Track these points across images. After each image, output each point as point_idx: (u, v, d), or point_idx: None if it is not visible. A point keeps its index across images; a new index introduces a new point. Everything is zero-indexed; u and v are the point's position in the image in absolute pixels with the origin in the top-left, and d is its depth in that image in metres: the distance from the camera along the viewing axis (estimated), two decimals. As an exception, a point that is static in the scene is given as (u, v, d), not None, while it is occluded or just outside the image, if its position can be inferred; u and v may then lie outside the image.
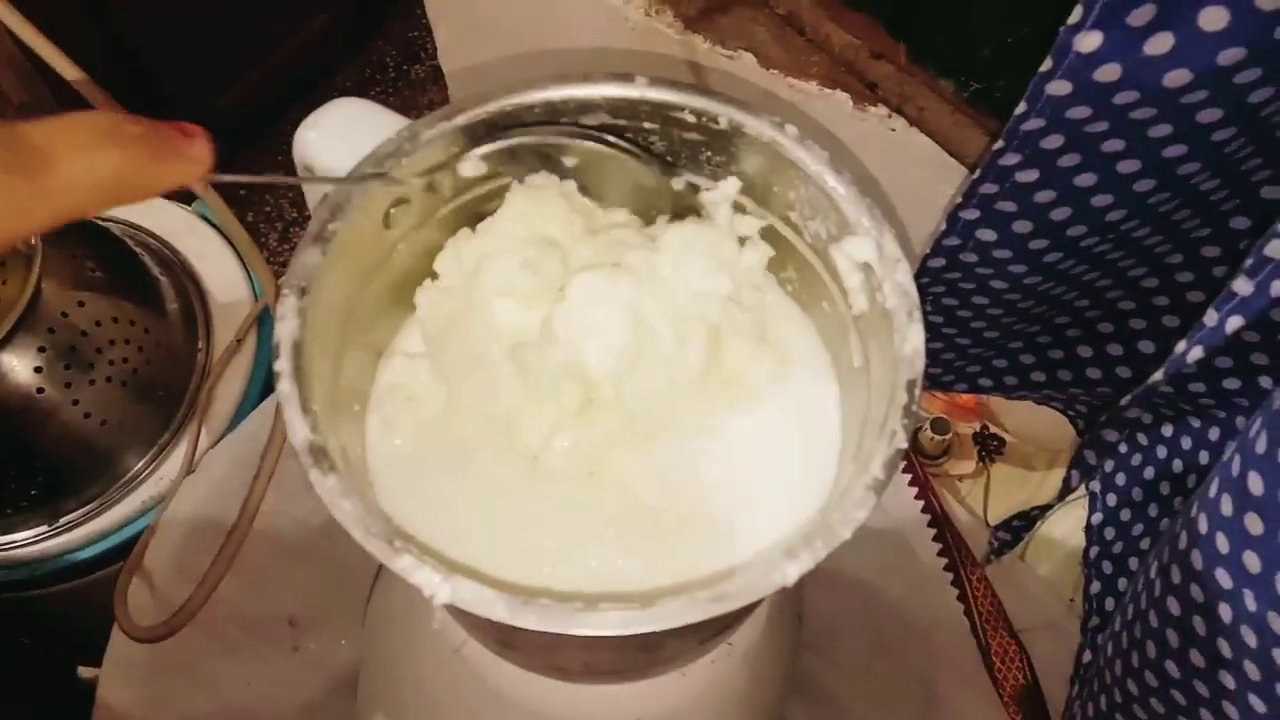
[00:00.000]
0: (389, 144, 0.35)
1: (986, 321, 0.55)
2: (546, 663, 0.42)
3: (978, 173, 0.44)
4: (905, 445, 0.31)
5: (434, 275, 0.40)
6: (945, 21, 0.56)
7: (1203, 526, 0.41)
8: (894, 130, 0.57)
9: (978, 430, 0.75)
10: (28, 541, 0.74)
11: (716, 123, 0.36)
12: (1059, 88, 0.37)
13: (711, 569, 0.35)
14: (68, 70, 0.58)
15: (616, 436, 0.37)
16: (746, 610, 0.43)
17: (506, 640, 0.41)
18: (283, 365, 0.31)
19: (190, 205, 0.87)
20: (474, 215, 0.40)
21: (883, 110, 0.58)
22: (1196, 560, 0.41)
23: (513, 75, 0.37)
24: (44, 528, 0.74)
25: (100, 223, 0.79)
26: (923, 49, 0.57)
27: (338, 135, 0.36)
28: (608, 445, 0.37)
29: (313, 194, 0.36)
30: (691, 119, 0.37)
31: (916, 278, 0.35)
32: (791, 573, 0.29)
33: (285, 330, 0.32)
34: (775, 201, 0.38)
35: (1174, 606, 0.44)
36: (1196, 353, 0.40)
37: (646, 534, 0.37)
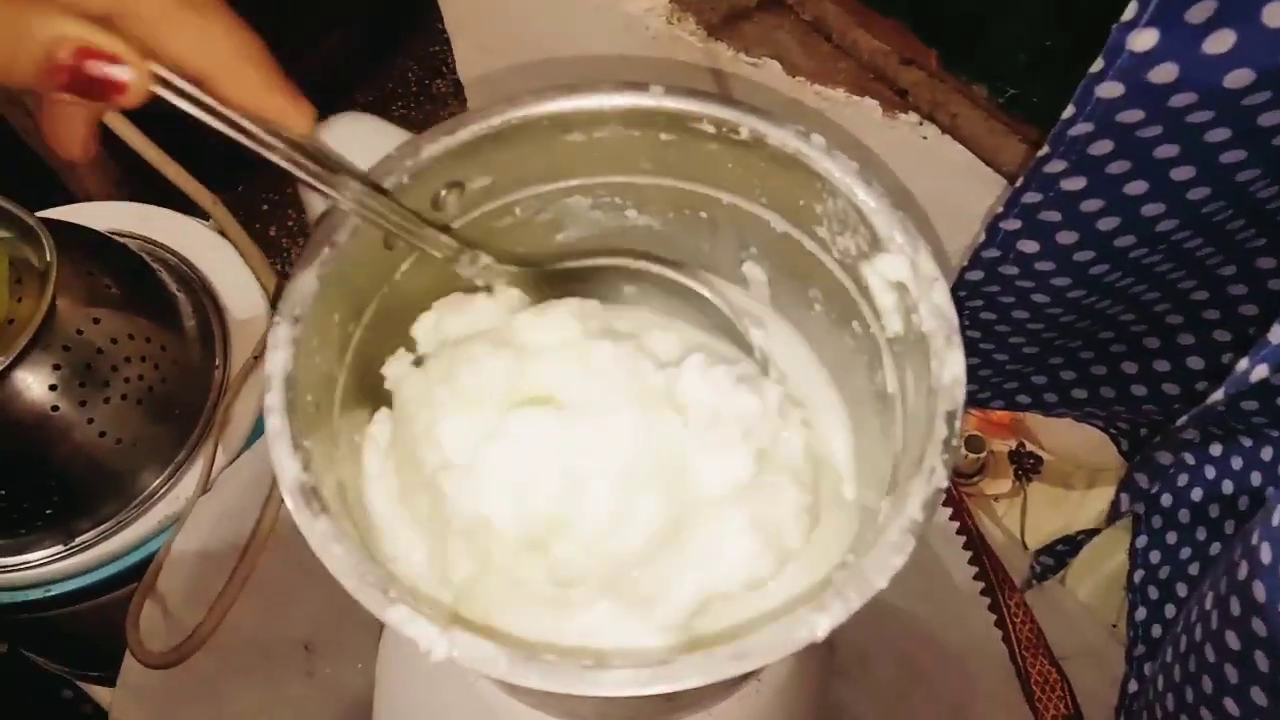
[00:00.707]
0: (389, 160, 0.33)
1: (1026, 337, 0.53)
2: (560, 709, 0.40)
3: (1020, 181, 0.41)
4: (945, 484, 0.28)
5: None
6: (979, 25, 0.54)
7: (1265, 556, 0.39)
8: (925, 138, 0.55)
9: (1014, 448, 0.73)
10: (42, 561, 0.73)
11: (737, 133, 0.34)
12: (1110, 90, 0.35)
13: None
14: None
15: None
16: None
17: (514, 686, 0.39)
18: (273, 400, 0.29)
19: (208, 221, 0.86)
20: (483, 230, 0.38)
21: (913, 118, 0.56)
22: (1259, 592, 0.39)
23: (532, 83, 0.34)
24: (59, 548, 0.73)
25: (117, 239, 0.78)
26: (955, 54, 0.56)
27: (341, 149, 0.34)
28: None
29: (311, 204, 0.34)
30: (711, 129, 0.34)
31: (953, 291, 0.33)
32: (821, 627, 0.27)
33: (276, 362, 0.30)
34: (801, 216, 0.36)
35: (1233, 641, 0.42)
36: (1261, 371, 0.37)
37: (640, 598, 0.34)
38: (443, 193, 0.35)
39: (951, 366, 0.30)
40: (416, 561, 0.35)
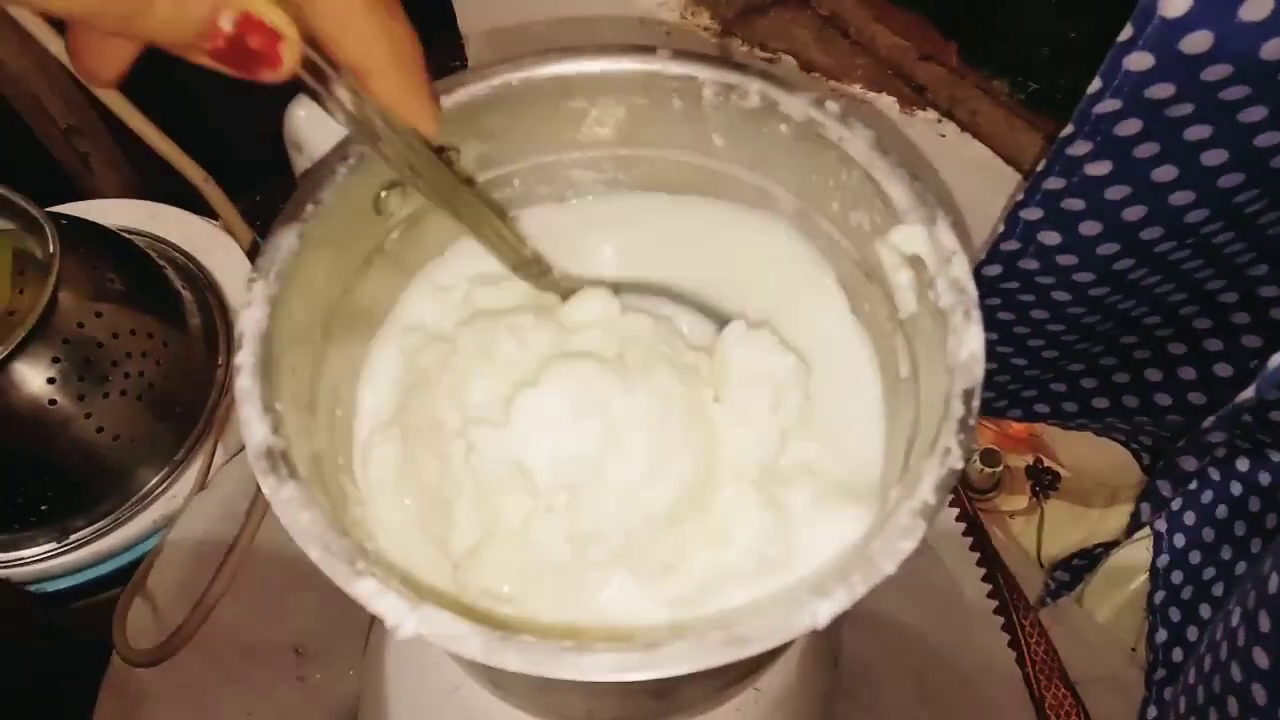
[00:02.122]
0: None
1: (1045, 339, 0.51)
2: (546, 708, 0.38)
3: (1042, 165, 0.40)
4: (960, 465, 0.26)
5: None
6: (1001, 18, 0.52)
7: (1297, 568, 0.36)
8: (944, 136, 0.54)
9: (1031, 464, 0.71)
10: (36, 558, 0.72)
11: (747, 99, 0.32)
12: (1140, 61, 0.33)
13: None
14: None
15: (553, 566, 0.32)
16: (774, 654, 0.39)
17: (498, 680, 0.37)
18: (244, 358, 0.28)
19: (217, 220, 0.86)
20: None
21: (932, 114, 0.55)
22: (1289, 606, 0.37)
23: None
24: (53, 544, 0.72)
25: (124, 235, 0.78)
26: (976, 48, 0.54)
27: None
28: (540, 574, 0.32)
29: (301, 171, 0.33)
30: (720, 96, 0.33)
31: None
32: (823, 613, 0.25)
33: (251, 319, 0.28)
34: (814, 191, 0.34)
35: (1261, 659, 0.40)
36: (1294, 366, 0.35)
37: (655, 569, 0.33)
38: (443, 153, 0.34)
39: (969, 343, 0.28)
40: (411, 535, 0.33)
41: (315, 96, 0.27)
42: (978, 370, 0.27)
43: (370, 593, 0.25)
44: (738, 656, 0.24)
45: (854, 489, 0.34)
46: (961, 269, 0.29)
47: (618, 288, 0.37)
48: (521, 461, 0.32)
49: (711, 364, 0.36)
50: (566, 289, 0.37)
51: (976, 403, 0.27)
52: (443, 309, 0.38)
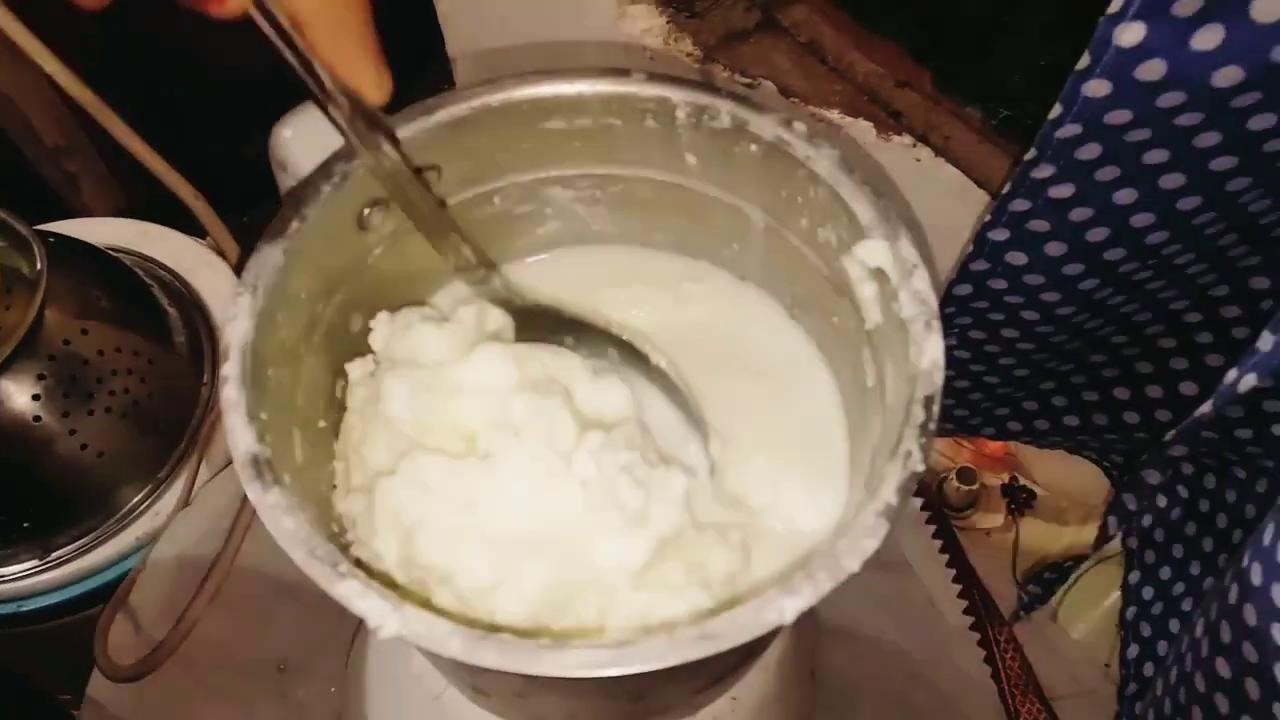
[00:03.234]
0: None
1: (1016, 358, 0.52)
2: (527, 713, 0.38)
3: (1008, 188, 0.41)
4: (921, 468, 0.27)
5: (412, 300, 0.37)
6: (974, 46, 0.54)
7: (1256, 578, 0.37)
8: (919, 160, 0.55)
9: (1006, 482, 0.72)
10: (17, 576, 0.71)
11: (718, 120, 0.33)
12: (1097, 88, 0.34)
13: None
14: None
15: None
16: (747, 656, 0.39)
17: (480, 686, 0.37)
18: (230, 369, 0.28)
19: (205, 239, 0.86)
20: (462, 220, 0.37)
21: (907, 139, 0.56)
22: (1250, 616, 0.38)
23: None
24: (35, 562, 0.71)
25: (111, 253, 0.78)
26: (949, 75, 0.56)
27: (315, 132, 0.33)
28: None
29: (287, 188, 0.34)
30: (692, 117, 0.34)
31: (941, 308, 0.32)
32: (789, 609, 0.26)
33: (236, 331, 0.29)
34: (782, 209, 0.35)
35: (1224, 668, 0.41)
36: (1250, 380, 0.36)
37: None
38: (422, 173, 0.35)
39: (930, 351, 0.29)
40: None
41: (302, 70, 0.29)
42: (938, 377, 0.28)
43: (353, 594, 0.26)
44: (709, 652, 0.25)
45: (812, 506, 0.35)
46: (922, 281, 0.30)
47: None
48: (377, 553, 0.32)
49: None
50: (503, 298, 0.37)
51: (937, 408, 0.28)
52: (378, 348, 0.37)
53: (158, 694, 0.60)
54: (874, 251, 0.31)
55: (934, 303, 0.29)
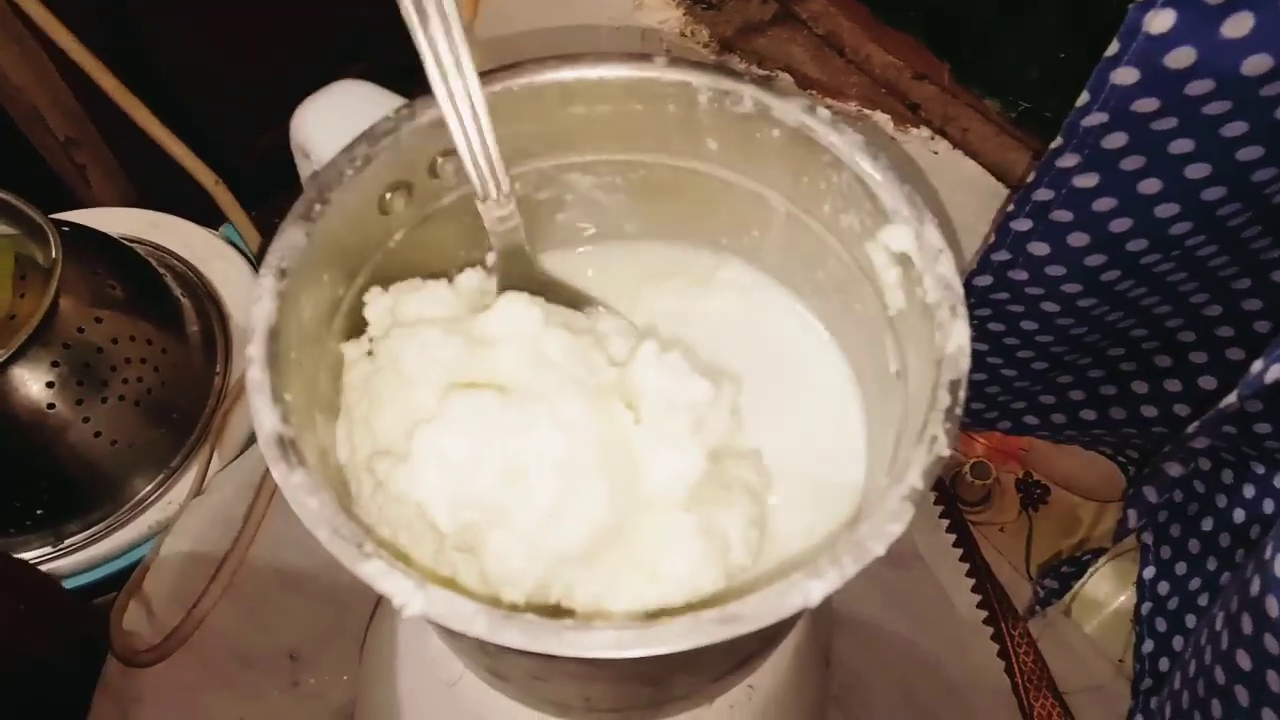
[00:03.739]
0: (386, 122, 0.33)
1: (1035, 351, 0.52)
2: (544, 697, 0.38)
3: (1031, 177, 0.40)
4: (947, 453, 0.27)
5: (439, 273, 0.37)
6: (992, 38, 0.54)
7: (1279, 569, 0.37)
8: (936, 153, 0.55)
9: (1020, 477, 0.72)
10: (31, 563, 0.72)
11: (741, 104, 0.33)
12: (1125, 75, 0.34)
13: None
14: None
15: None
16: (765, 644, 0.39)
17: (498, 669, 0.37)
18: (255, 350, 0.28)
19: (217, 230, 0.86)
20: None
21: (925, 132, 0.56)
22: (1272, 607, 0.38)
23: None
24: (48, 549, 0.72)
25: (125, 242, 0.79)
26: (967, 68, 0.55)
27: (336, 117, 0.33)
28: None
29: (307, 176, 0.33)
30: (714, 102, 0.34)
31: None
32: (815, 593, 0.26)
33: (261, 313, 0.29)
34: (805, 194, 0.35)
35: (1244, 661, 0.40)
36: (1276, 371, 0.36)
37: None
38: (439, 160, 0.35)
39: (956, 336, 0.29)
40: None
41: None
42: (964, 362, 0.28)
43: (377, 573, 0.26)
44: (733, 634, 0.25)
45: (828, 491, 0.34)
46: (948, 266, 0.30)
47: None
48: (421, 502, 0.31)
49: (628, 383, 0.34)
50: (516, 244, 0.36)
51: (963, 393, 0.28)
52: (377, 320, 0.36)
53: (169, 681, 0.61)
54: (898, 236, 0.31)
55: (959, 287, 0.29)
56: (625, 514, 0.32)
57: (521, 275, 0.37)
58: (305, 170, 0.38)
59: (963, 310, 0.29)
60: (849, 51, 0.60)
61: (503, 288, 0.36)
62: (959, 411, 0.27)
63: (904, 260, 0.31)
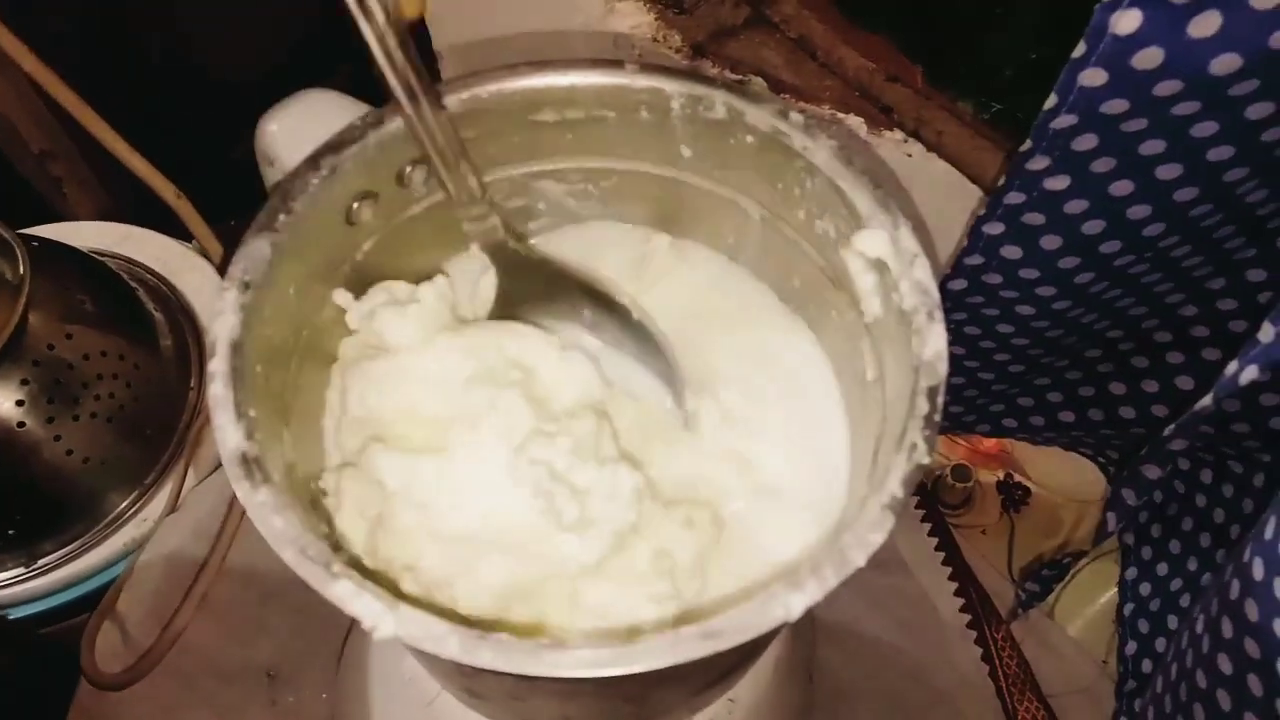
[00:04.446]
0: (352, 130, 0.32)
1: (1011, 354, 0.52)
2: (522, 715, 0.38)
3: (1002, 180, 0.40)
4: (927, 460, 0.27)
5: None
6: (965, 40, 0.54)
7: (1258, 572, 0.37)
8: (910, 155, 0.55)
9: (1001, 479, 0.72)
10: (3, 584, 0.71)
11: (713, 110, 0.33)
12: (1093, 77, 0.34)
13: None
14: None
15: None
16: (745, 657, 0.39)
17: (474, 689, 0.37)
18: (217, 366, 0.28)
19: (190, 243, 0.85)
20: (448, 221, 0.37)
21: (898, 135, 0.55)
22: (1251, 611, 0.37)
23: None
24: (21, 569, 0.71)
25: (96, 256, 0.78)
26: (941, 70, 0.55)
27: (302, 127, 0.33)
28: None
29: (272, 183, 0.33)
30: (686, 108, 0.33)
31: None
32: (796, 606, 0.25)
33: (224, 327, 0.28)
34: (779, 200, 0.35)
35: (1225, 665, 0.40)
36: (1250, 373, 0.36)
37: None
38: (408, 169, 0.34)
39: (933, 342, 0.28)
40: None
41: None
42: (942, 368, 0.28)
43: (347, 594, 0.25)
44: (714, 650, 0.24)
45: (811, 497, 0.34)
46: (924, 271, 0.29)
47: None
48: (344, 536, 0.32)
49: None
50: (499, 242, 0.36)
51: (941, 399, 0.27)
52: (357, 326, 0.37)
53: (145, 701, 0.60)
54: (874, 242, 0.31)
55: (935, 292, 0.29)
56: (540, 576, 0.32)
57: (516, 264, 0.37)
58: (271, 179, 0.37)
59: (939, 315, 0.29)
60: (821, 55, 0.60)
61: (502, 286, 0.37)
62: (938, 418, 0.27)
63: (880, 266, 0.31)
